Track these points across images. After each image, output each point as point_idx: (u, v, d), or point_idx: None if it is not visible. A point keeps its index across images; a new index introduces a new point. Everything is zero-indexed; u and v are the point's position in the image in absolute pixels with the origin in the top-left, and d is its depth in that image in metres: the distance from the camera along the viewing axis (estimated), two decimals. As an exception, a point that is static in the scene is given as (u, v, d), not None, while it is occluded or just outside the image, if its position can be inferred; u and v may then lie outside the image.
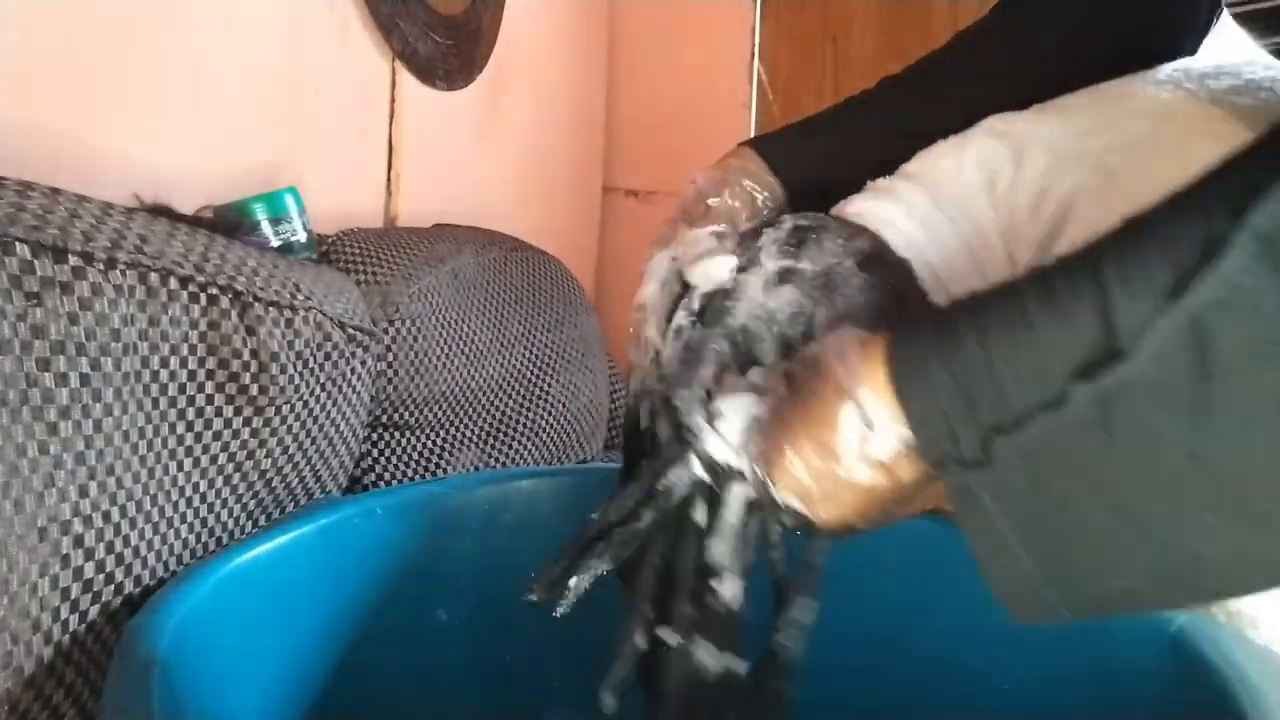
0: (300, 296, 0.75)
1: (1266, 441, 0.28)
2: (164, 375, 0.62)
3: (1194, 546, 0.30)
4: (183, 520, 0.64)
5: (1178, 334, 0.27)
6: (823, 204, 0.58)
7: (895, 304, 0.52)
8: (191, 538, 0.65)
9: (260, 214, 0.89)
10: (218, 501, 0.68)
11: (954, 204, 0.54)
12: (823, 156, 0.60)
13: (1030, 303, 0.30)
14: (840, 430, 0.36)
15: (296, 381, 0.73)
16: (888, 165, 0.58)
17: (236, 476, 0.69)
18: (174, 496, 0.63)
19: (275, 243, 0.90)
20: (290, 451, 0.73)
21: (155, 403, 0.62)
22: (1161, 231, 0.29)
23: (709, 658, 0.46)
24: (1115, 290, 0.28)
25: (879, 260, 0.52)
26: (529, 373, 1.21)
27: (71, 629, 0.55)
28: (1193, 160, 0.48)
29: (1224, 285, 0.26)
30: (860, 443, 0.36)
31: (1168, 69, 0.55)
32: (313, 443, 0.76)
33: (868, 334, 0.38)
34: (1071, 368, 0.29)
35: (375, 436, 1.00)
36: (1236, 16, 0.53)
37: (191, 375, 0.65)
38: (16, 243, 0.53)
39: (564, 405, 1.24)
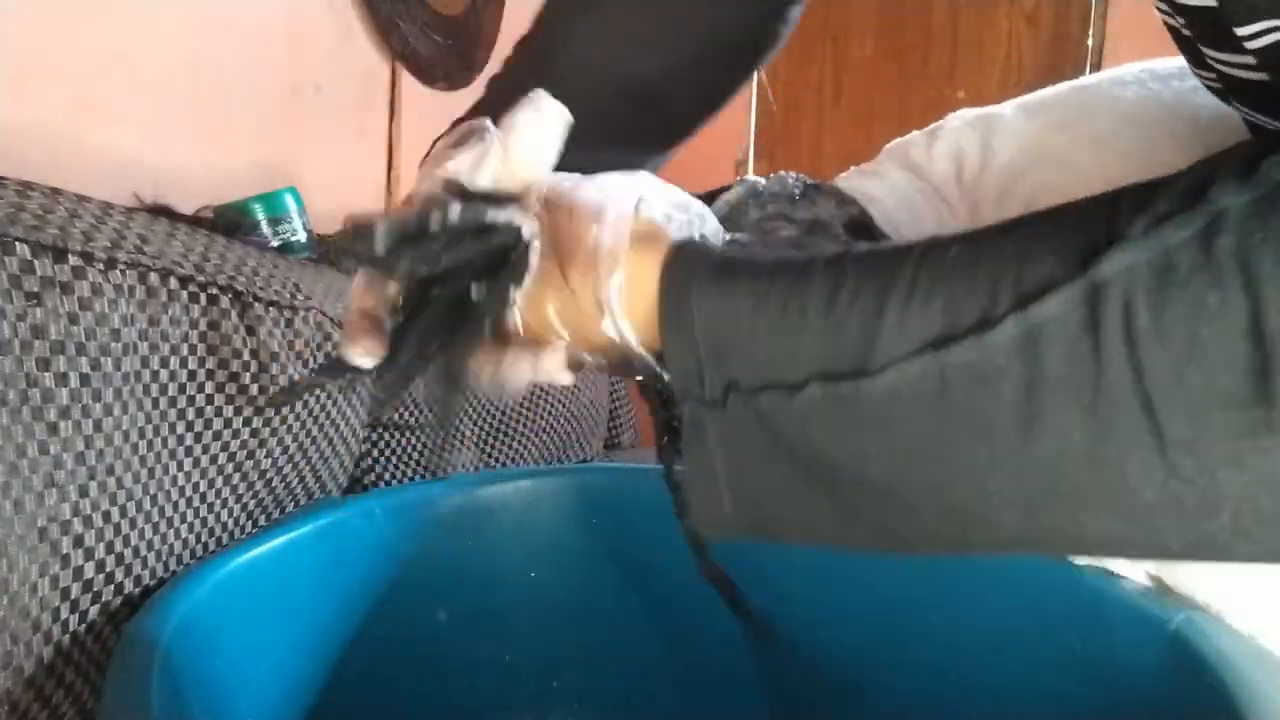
0: (300, 296, 0.75)
1: (936, 495, 0.32)
2: (164, 375, 0.62)
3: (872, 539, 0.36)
4: (183, 520, 0.64)
5: (922, 378, 0.31)
6: None
7: None
8: (191, 538, 0.65)
9: (260, 214, 0.90)
10: (218, 501, 0.68)
11: (930, 187, 0.55)
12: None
13: (814, 296, 0.33)
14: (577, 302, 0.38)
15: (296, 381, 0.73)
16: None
17: (236, 476, 0.69)
18: (174, 496, 0.63)
19: (275, 243, 0.90)
20: (290, 451, 0.74)
21: (155, 403, 0.62)
22: (949, 285, 0.31)
23: None
24: (889, 321, 0.32)
25: (866, 229, 0.53)
26: (529, 373, 1.21)
27: (71, 629, 0.55)
28: (1152, 158, 0.49)
29: (978, 354, 0.30)
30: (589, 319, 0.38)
31: (1134, 69, 0.56)
32: (313, 443, 0.76)
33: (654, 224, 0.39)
34: (818, 368, 0.33)
35: (375, 436, 1.00)
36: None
37: (191, 375, 0.65)
38: (16, 243, 0.54)
39: (563, 405, 1.24)
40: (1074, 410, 0.29)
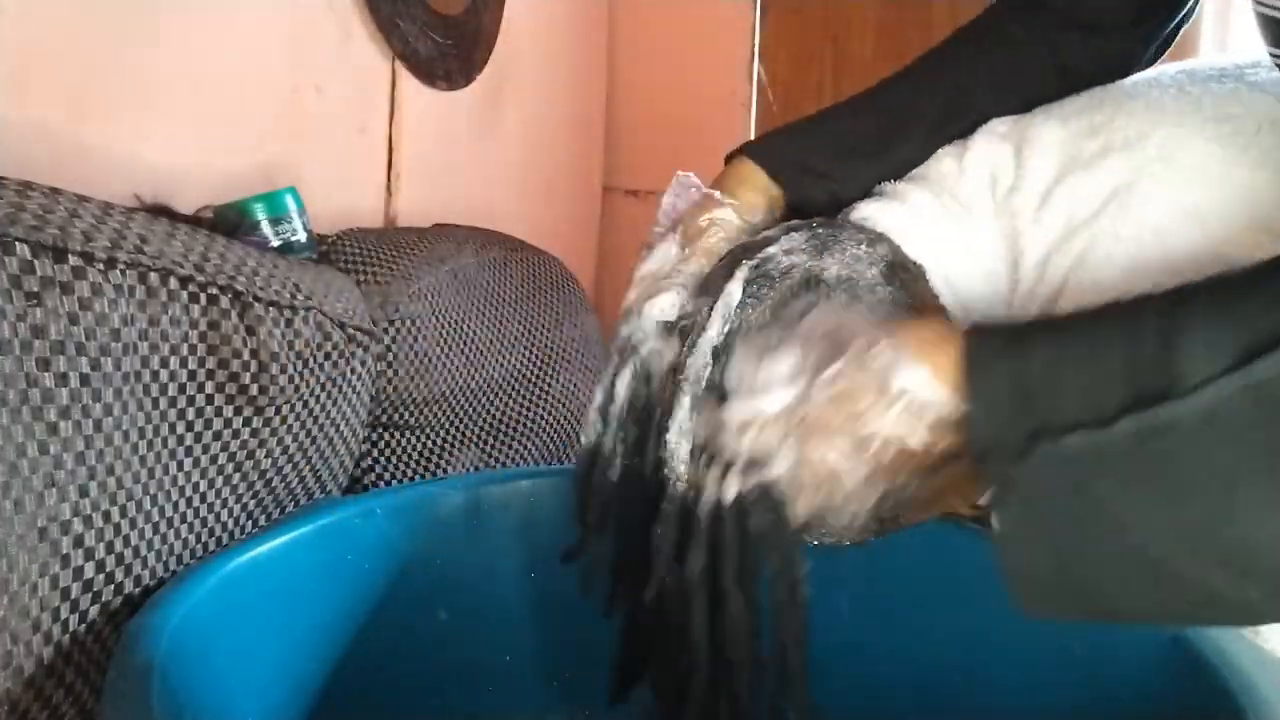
0: (300, 296, 0.75)
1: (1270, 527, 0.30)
2: (164, 375, 0.62)
3: (1193, 588, 0.33)
4: (183, 520, 0.64)
5: (1234, 396, 0.30)
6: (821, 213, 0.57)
7: (915, 313, 0.51)
8: (191, 538, 0.65)
9: (260, 214, 0.89)
10: (218, 501, 0.68)
11: (958, 206, 0.54)
12: (820, 154, 0.58)
13: (1106, 331, 0.34)
14: (881, 406, 0.38)
15: (296, 381, 0.73)
16: (884, 163, 0.58)
17: (236, 476, 0.69)
18: (174, 496, 0.63)
19: (275, 243, 0.90)
20: (290, 451, 0.73)
21: (155, 403, 0.62)
22: (1244, 303, 0.31)
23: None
24: (1189, 343, 0.31)
25: (900, 266, 0.52)
26: (529, 372, 1.21)
27: (71, 629, 0.55)
28: (1186, 167, 0.48)
29: None
30: (896, 416, 0.38)
31: (1172, 71, 0.55)
32: (313, 443, 0.76)
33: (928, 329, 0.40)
34: (1126, 397, 0.32)
35: (375, 436, 1.00)
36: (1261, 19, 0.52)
37: (191, 375, 0.65)
38: (16, 243, 0.53)
39: (564, 405, 1.24)
40: None
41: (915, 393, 0.37)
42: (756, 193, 0.56)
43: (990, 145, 0.55)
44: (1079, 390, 0.33)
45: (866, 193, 0.58)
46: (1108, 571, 0.34)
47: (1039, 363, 0.34)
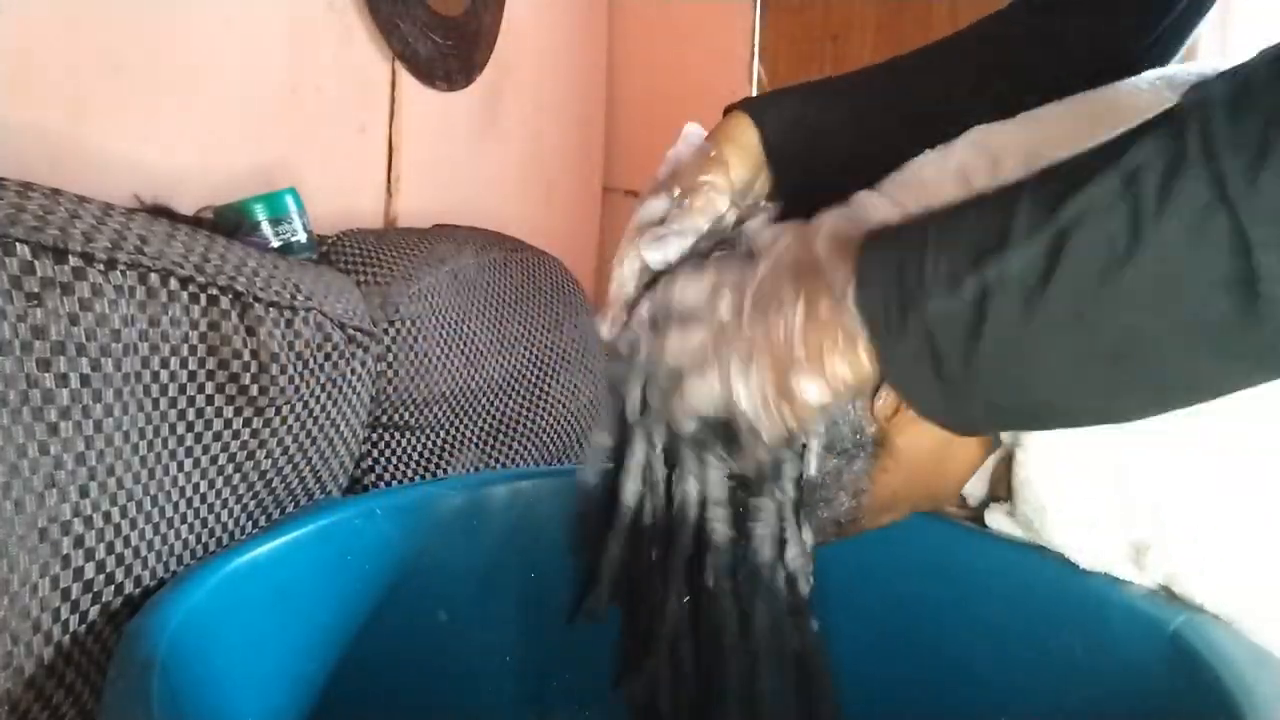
0: (300, 297, 0.75)
1: (1088, 328, 0.36)
2: (164, 375, 0.63)
3: (1044, 397, 0.40)
4: (183, 520, 0.64)
5: (1046, 238, 0.36)
6: (809, 176, 0.58)
7: None
8: (191, 538, 0.65)
9: (260, 214, 0.90)
10: (218, 501, 0.68)
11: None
12: (816, 129, 0.59)
13: (970, 211, 0.40)
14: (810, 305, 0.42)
15: (296, 382, 0.73)
16: (876, 140, 0.58)
17: (236, 477, 0.69)
18: (174, 496, 0.63)
19: (275, 243, 0.90)
20: (290, 452, 0.74)
21: (155, 403, 0.62)
22: (1064, 168, 0.38)
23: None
24: (1021, 207, 0.37)
25: None
26: (529, 373, 1.21)
27: (71, 629, 0.55)
28: None
29: (1085, 200, 0.35)
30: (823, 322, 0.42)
31: (1150, 77, 0.55)
32: (313, 443, 0.76)
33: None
34: (971, 259, 0.38)
35: (375, 436, 1.00)
36: None
37: (191, 375, 0.65)
38: (17, 243, 0.54)
39: (564, 406, 1.24)
40: (1180, 231, 0.32)
41: (825, 268, 0.42)
42: (745, 152, 0.58)
43: (969, 154, 0.55)
44: (941, 258, 0.39)
45: (840, 181, 0.59)
46: (997, 387, 0.40)
47: (917, 240, 0.40)
